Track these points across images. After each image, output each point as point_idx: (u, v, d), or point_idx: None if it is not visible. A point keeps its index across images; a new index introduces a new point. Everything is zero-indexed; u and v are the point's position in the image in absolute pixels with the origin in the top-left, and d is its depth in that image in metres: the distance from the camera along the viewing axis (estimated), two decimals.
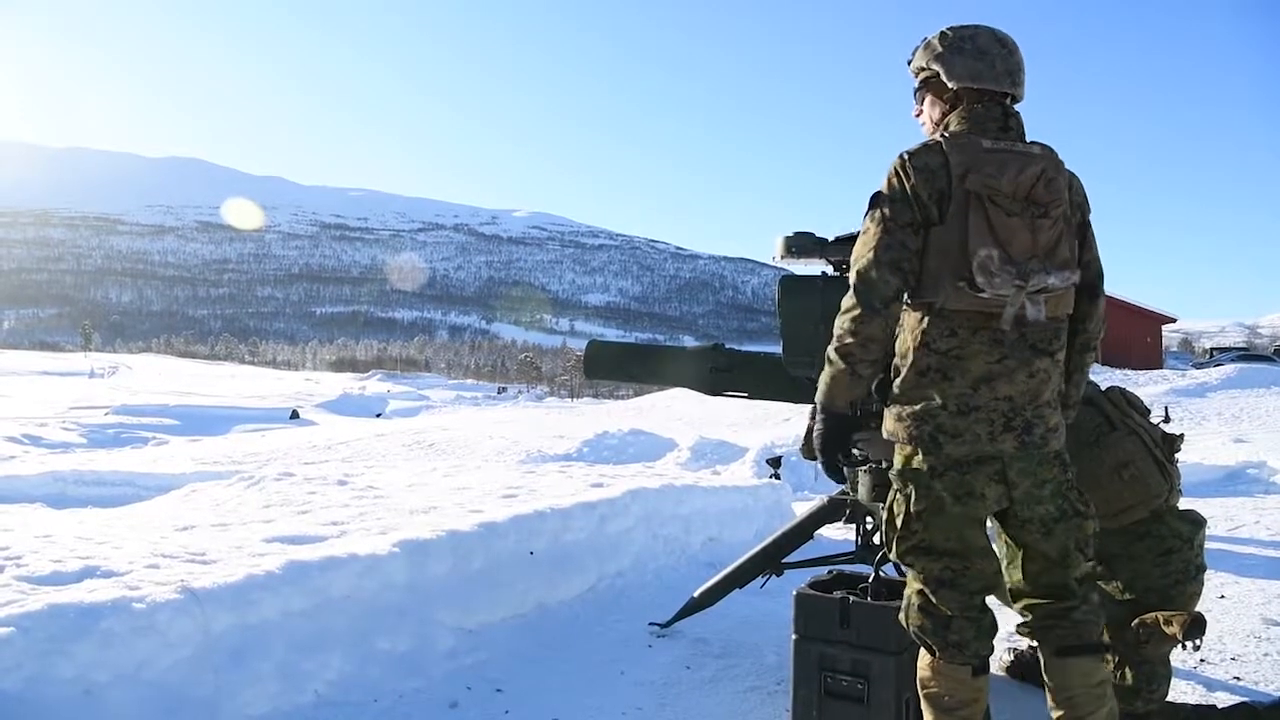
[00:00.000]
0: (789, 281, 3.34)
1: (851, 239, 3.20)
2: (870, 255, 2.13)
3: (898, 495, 2.23)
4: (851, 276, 2.15)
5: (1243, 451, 9.77)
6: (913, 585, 2.26)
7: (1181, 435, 2.99)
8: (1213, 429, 13.18)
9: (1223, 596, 4.52)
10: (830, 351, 2.17)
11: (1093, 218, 2.30)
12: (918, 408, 2.16)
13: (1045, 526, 2.20)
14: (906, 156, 2.15)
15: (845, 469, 2.23)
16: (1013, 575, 2.30)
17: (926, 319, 2.15)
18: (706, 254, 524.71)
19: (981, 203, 2.05)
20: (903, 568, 2.32)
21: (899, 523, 2.22)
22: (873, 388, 2.26)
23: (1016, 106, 2.26)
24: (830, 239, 3.26)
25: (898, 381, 2.21)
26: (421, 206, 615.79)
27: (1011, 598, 2.33)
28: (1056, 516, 2.19)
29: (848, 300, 2.15)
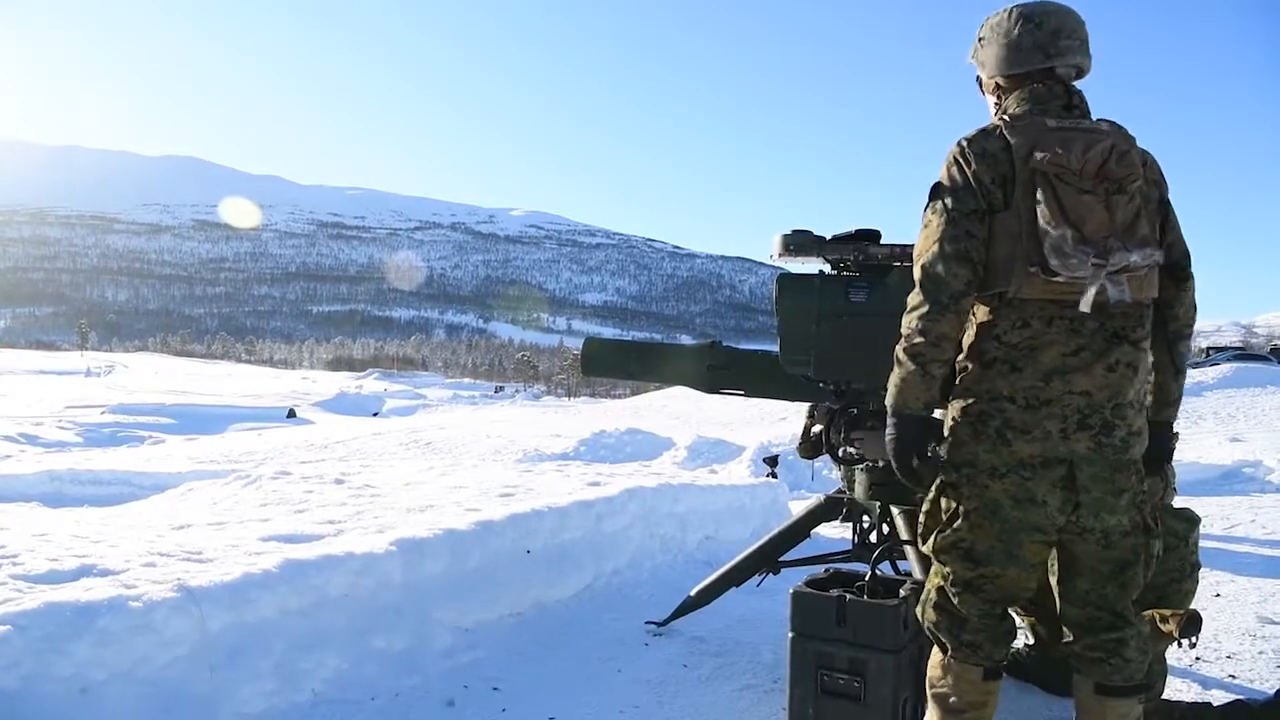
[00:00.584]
0: (786, 280, 3.34)
1: (849, 238, 3.21)
2: (935, 249, 2.02)
3: (948, 489, 2.11)
4: (916, 273, 2.04)
5: (1239, 450, 9.79)
6: (934, 581, 2.19)
7: (1177, 434, 3.00)
8: (1209, 428, 13.22)
9: (1218, 595, 4.53)
10: (899, 352, 2.06)
11: None
12: (984, 400, 2.04)
13: (1107, 538, 2.05)
14: (965, 143, 2.06)
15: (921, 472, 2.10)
16: (1061, 591, 2.16)
17: (996, 310, 2.05)
18: (704, 253, 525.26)
19: (1050, 182, 1.94)
20: (931, 561, 2.22)
21: (944, 517, 2.12)
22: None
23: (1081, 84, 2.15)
24: (828, 237, 3.26)
25: (962, 375, 2.10)
26: (418, 205, 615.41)
27: (1060, 617, 2.20)
28: (1127, 530, 2.04)
29: (914, 298, 2.03)
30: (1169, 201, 2.11)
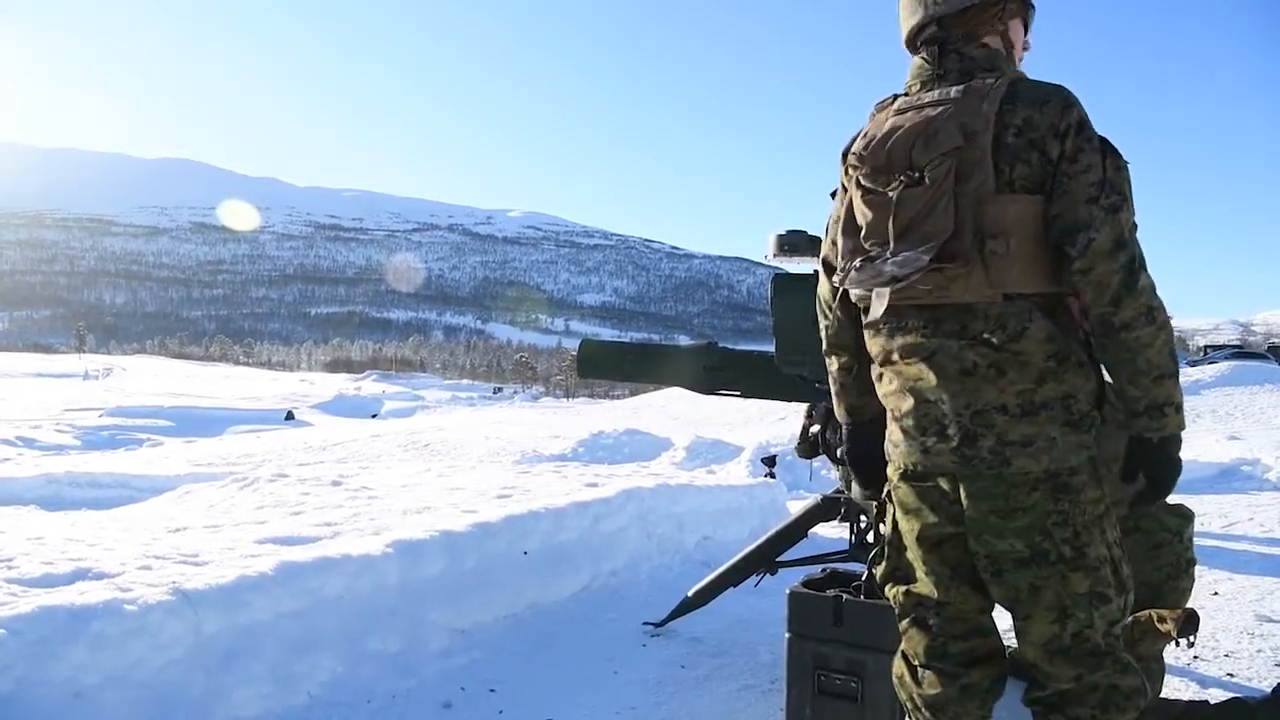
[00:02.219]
0: (782, 280, 3.34)
1: None
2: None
3: (885, 505, 1.99)
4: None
5: (1236, 449, 9.79)
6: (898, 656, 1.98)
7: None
8: (1206, 426, 13.21)
9: (1216, 593, 4.53)
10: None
11: None
12: (888, 410, 1.92)
13: (996, 565, 1.77)
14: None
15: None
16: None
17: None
18: (701, 253, 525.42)
19: (853, 183, 1.86)
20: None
21: (882, 546, 2.00)
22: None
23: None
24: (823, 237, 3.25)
25: None
26: (416, 207, 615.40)
27: None
28: (1024, 558, 1.74)
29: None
30: (1069, 158, 1.67)
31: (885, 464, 1.96)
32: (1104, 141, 1.70)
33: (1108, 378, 1.80)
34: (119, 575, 3.04)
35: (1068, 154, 1.67)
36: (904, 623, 1.93)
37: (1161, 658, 2.74)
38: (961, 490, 1.78)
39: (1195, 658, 3.56)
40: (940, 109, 1.73)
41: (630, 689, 3.27)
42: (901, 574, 1.94)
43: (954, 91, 1.74)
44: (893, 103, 1.86)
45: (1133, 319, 1.66)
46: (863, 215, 1.81)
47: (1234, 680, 3.37)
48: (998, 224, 1.68)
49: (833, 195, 2.02)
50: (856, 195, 1.83)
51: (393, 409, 39.42)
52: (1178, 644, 2.64)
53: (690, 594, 3.84)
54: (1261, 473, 8.88)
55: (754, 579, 3.72)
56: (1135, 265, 1.66)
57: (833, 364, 2.07)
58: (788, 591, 2.80)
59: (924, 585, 1.89)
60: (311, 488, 5.46)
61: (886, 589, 1.98)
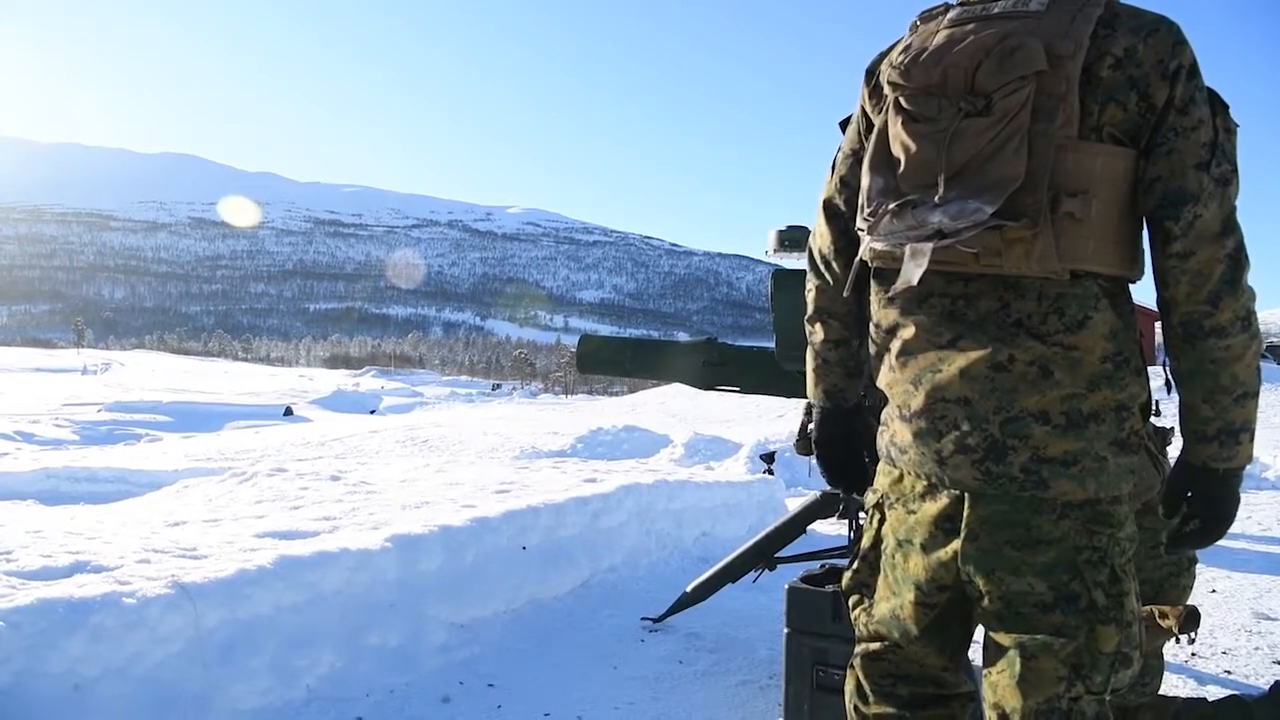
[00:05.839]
0: (781, 276, 3.34)
1: None
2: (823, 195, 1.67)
3: (870, 512, 1.64)
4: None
5: None
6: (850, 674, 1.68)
7: (1172, 429, 2.99)
8: None
9: (1214, 591, 4.54)
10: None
11: None
12: (885, 402, 1.56)
13: (1010, 609, 1.40)
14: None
15: None
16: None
17: (874, 279, 1.57)
18: (701, 250, 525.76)
19: (892, 106, 1.49)
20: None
21: (860, 547, 1.67)
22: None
23: None
24: None
25: None
26: (416, 203, 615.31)
27: None
28: (1045, 603, 1.38)
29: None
30: (1179, 108, 1.34)
31: (864, 459, 1.71)
32: (1214, 94, 1.37)
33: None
34: (118, 569, 3.03)
35: (1177, 102, 1.34)
36: (859, 645, 1.65)
37: (1161, 655, 2.75)
38: (968, 511, 1.42)
39: (1193, 655, 3.57)
40: (1017, 22, 1.37)
41: (629, 684, 3.27)
42: (869, 593, 1.63)
43: (1035, 3, 1.38)
44: (945, 12, 1.49)
45: (1229, 323, 1.34)
46: (902, 148, 1.41)
47: (1231, 677, 3.38)
48: (1079, 179, 1.33)
49: (842, 126, 1.68)
50: (895, 122, 1.43)
51: (391, 405, 39.44)
52: (1178, 640, 2.65)
53: (689, 590, 3.84)
54: (1259, 471, 8.91)
55: (752, 575, 3.73)
56: (1242, 256, 1.35)
57: (817, 334, 1.72)
58: (786, 587, 2.80)
59: (890, 627, 1.56)
60: (310, 482, 5.46)
61: (849, 600, 1.68)
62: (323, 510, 4.46)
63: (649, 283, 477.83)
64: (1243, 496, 1.51)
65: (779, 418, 16.40)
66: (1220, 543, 1.51)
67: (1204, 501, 1.43)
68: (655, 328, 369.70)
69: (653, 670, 3.42)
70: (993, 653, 1.46)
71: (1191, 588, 2.83)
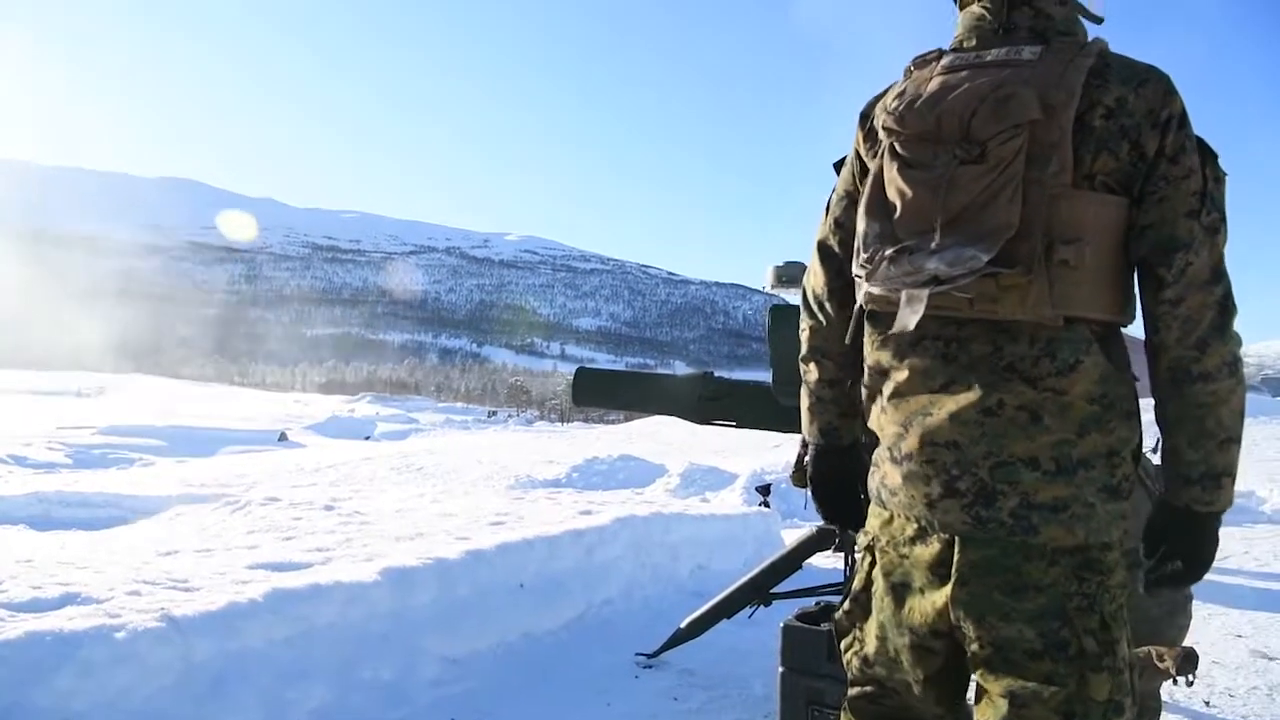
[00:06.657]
0: (779, 310, 3.34)
1: None
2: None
3: (864, 554, 1.64)
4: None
5: None
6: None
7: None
8: None
9: (1210, 627, 4.51)
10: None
11: None
12: (878, 443, 1.56)
13: (1001, 655, 1.40)
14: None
15: None
16: None
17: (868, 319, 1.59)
18: (698, 279, 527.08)
19: (888, 151, 1.49)
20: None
21: (847, 592, 1.67)
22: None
23: None
24: None
25: None
26: (413, 229, 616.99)
27: None
28: (1035, 650, 1.38)
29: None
30: (1170, 157, 1.37)
31: (860, 495, 1.70)
32: (1202, 143, 1.40)
33: None
34: (108, 600, 3.01)
35: (1168, 151, 1.36)
36: (852, 687, 1.65)
37: (1158, 695, 2.73)
38: (958, 556, 1.42)
39: (1190, 694, 3.54)
40: (1011, 70, 1.40)
41: None
42: (861, 634, 1.62)
43: (1028, 51, 1.41)
44: (939, 58, 1.51)
45: (1216, 368, 1.37)
46: (898, 194, 1.43)
47: (1227, 717, 3.35)
48: (1073, 227, 1.35)
49: (836, 167, 1.70)
50: (891, 167, 1.45)
51: (386, 431, 39.29)
52: (1175, 682, 2.63)
53: (683, 625, 3.82)
54: (1256, 505, 8.89)
55: (747, 610, 3.70)
56: (1230, 303, 1.38)
57: (811, 373, 1.76)
58: (781, 625, 2.78)
59: (886, 669, 1.57)
60: (304, 512, 5.44)
61: (841, 641, 1.67)
62: (316, 541, 4.44)
63: (646, 311, 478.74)
64: (1239, 531, 1.53)
65: (775, 448, 16.35)
66: (1216, 578, 1.54)
67: (1184, 543, 1.45)
68: (652, 356, 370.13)
69: (646, 707, 3.39)
70: (984, 699, 1.45)
71: (1188, 627, 2.81)
